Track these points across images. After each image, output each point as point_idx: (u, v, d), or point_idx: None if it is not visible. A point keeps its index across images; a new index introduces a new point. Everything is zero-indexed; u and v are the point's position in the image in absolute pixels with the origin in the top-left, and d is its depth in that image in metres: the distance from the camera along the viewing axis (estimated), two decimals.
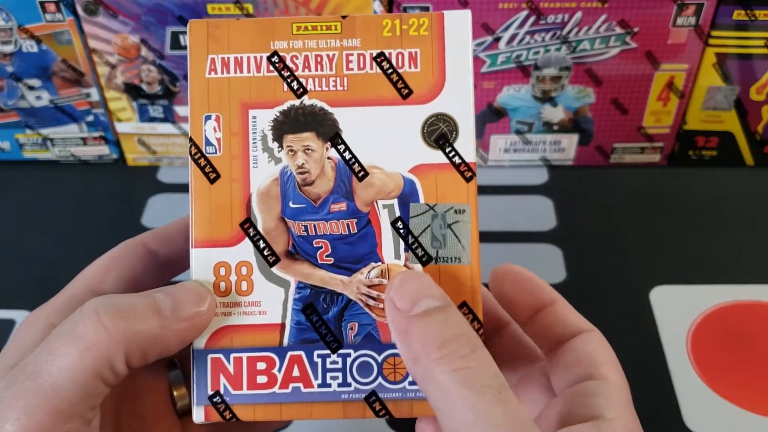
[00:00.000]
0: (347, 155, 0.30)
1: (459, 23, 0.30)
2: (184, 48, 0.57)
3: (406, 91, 0.30)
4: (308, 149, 0.30)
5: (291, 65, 0.30)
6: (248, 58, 0.30)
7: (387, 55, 0.30)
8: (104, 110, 0.61)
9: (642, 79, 0.58)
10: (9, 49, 0.57)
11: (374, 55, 0.30)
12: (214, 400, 0.30)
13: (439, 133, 0.30)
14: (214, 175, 0.30)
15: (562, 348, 0.31)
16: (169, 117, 0.61)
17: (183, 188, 0.63)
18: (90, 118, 0.62)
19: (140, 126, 0.62)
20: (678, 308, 0.52)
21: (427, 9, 0.54)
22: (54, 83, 0.59)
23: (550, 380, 0.32)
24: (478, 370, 0.25)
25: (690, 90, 0.59)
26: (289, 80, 0.30)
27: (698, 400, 0.47)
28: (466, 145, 0.30)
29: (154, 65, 0.58)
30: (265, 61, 0.30)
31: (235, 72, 0.30)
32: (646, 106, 0.60)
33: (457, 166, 0.30)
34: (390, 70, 0.30)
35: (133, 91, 0.60)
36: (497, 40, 0.56)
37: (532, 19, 0.55)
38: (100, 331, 0.26)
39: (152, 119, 0.61)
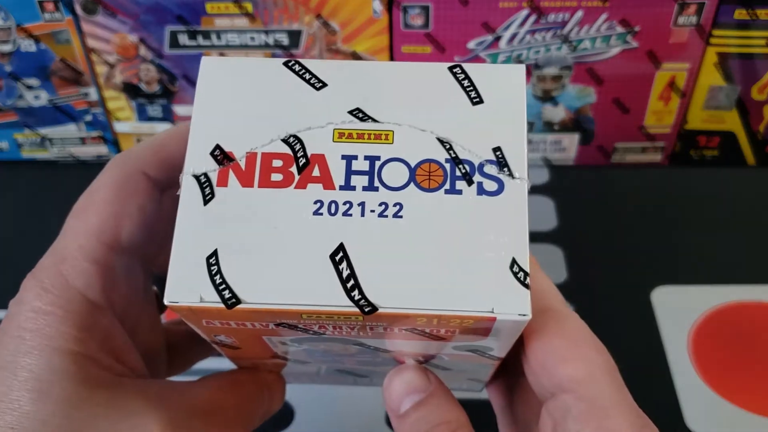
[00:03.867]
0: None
1: (513, 328, 0.24)
2: (183, 47, 0.57)
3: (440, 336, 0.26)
4: None
5: (304, 329, 0.25)
6: (252, 323, 0.25)
7: (419, 330, 0.25)
8: (103, 110, 0.61)
9: (643, 78, 0.58)
10: (7, 48, 0.57)
11: (403, 329, 0.25)
12: None
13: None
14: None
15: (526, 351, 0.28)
16: (167, 116, 0.61)
17: None
18: (89, 117, 0.61)
19: (139, 126, 0.62)
20: (679, 308, 0.52)
21: (426, 9, 0.54)
22: (52, 83, 0.59)
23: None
24: None
25: (691, 89, 0.59)
26: (305, 332, 0.25)
27: (699, 400, 0.47)
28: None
29: (153, 64, 0.58)
30: (272, 325, 0.25)
31: (239, 327, 0.25)
32: (648, 105, 0.60)
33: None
34: (421, 335, 0.25)
35: (131, 90, 0.59)
36: (498, 39, 0.56)
37: (532, 18, 0.55)
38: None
39: (151, 119, 0.61)
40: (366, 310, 0.22)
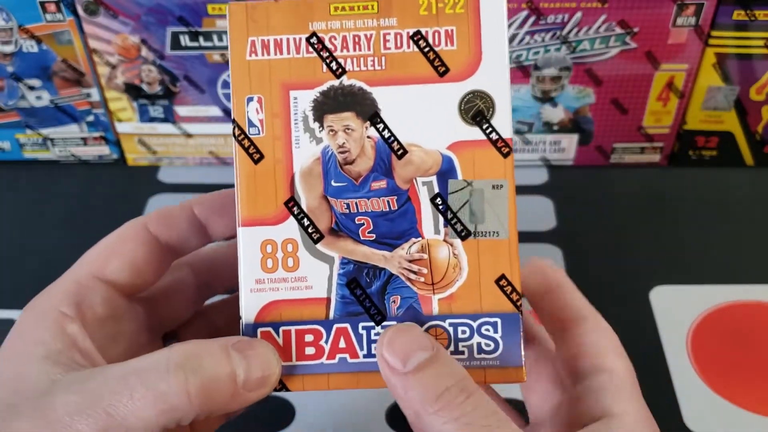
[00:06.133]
0: (386, 134, 0.31)
1: (494, 0, 0.31)
2: (185, 48, 0.57)
3: (443, 69, 0.31)
4: (348, 129, 0.31)
5: (329, 46, 0.31)
6: (287, 39, 0.31)
7: (423, 33, 0.31)
8: (104, 110, 0.61)
9: (642, 79, 0.58)
10: (9, 49, 0.57)
11: (411, 33, 0.31)
12: None
13: (476, 110, 0.31)
14: (258, 155, 0.31)
15: (567, 336, 0.33)
16: (169, 117, 0.61)
17: (183, 188, 0.63)
18: (90, 118, 0.62)
19: (140, 126, 0.62)
20: (678, 308, 0.52)
21: None
22: (54, 83, 0.59)
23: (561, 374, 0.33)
24: (476, 413, 0.27)
25: (690, 90, 0.59)
26: (328, 61, 0.31)
27: (698, 399, 0.47)
28: (502, 121, 0.31)
29: (154, 65, 0.58)
30: (304, 42, 0.31)
31: (275, 54, 0.31)
32: (646, 106, 0.60)
33: (494, 143, 0.31)
34: (427, 49, 0.31)
35: (133, 91, 0.60)
36: None
37: (532, 19, 0.55)
38: (182, 398, 0.27)
39: (152, 119, 0.61)
40: None
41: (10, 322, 0.52)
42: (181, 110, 0.61)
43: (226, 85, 0.59)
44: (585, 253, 0.56)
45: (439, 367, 0.28)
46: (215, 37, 0.56)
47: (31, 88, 0.60)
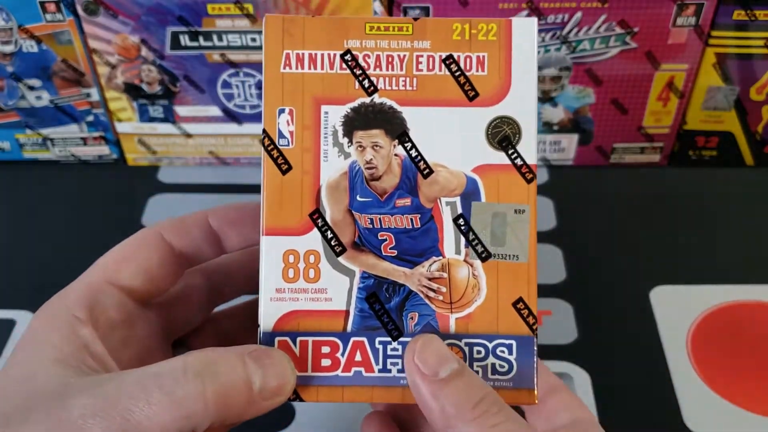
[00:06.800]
0: (413, 153, 0.32)
1: (526, 30, 0.32)
2: (184, 48, 0.57)
3: (473, 93, 0.32)
4: (377, 146, 0.32)
5: (363, 64, 0.32)
6: (322, 55, 0.32)
7: (456, 57, 0.32)
8: (104, 110, 0.61)
9: (642, 79, 0.58)
10: (9, 49, 0.57)
11: (443, 57, 0.32)
12: None
13: (503, 135, 0.32)
14: (286, 166, 0.32)
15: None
16: (169, 117, 0.61)
17: (183, 188, 0.63)
18: (90, 118, 0.62)
19: (140, 126, 0.62)
20: (678, 308, 0.52)
21: (427, 9, 0.54)
22: (54, 83, 0.59)
23: None
24: (511, 424, 0.28)
25: (690, 90, 0.59)
26: (360, 78, 0.32)
27: (698, 399, 0.47)
28: (528, 147, 0.32)
29: (154, 65, 0.58)
30: (338, 58, 0.32)
31: (309, 68, 0.32)
32: (646, 106, 0.60)
33: (518, 168, 0.32)
34: (458, 73, 0.32)
35: (133, 91, 0.60)
36: None
37: None
38: (199, 405, 0.27)
39: (152, 119, 0.61)
40: (416, 18, 0.31)
41: (10, 322, 0.52)
42: (181, 110, 0.61)
43: (225, 84, 0.59)
44: (585, 252, 0.56)
45: (470, 378, 0.29)
46: (215, 37, 0.56)
47: (31, 88, 0.60)
